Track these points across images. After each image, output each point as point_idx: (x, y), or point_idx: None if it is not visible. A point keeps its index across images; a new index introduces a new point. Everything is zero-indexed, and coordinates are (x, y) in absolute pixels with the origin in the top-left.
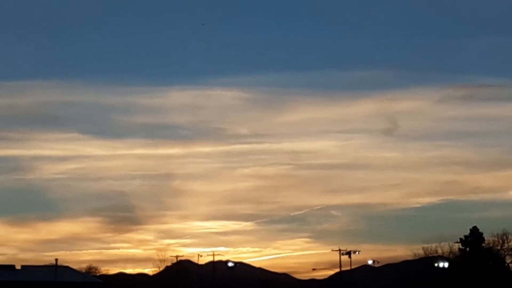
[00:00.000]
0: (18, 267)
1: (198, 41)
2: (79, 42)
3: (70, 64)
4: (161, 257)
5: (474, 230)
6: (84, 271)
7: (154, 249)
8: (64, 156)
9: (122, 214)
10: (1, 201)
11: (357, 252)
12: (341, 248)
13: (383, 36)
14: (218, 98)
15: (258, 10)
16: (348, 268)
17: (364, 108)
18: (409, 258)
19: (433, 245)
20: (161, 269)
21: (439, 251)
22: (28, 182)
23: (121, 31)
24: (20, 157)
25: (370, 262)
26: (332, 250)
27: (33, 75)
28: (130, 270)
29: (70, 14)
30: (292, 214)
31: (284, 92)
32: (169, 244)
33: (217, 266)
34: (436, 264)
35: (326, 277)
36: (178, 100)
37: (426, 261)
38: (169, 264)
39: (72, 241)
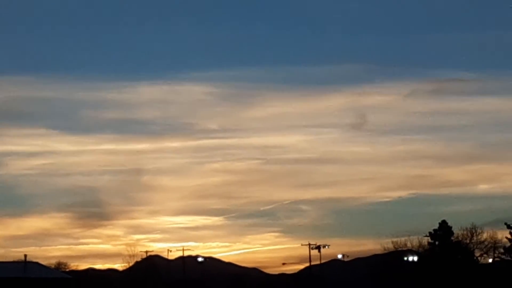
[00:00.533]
0: None
1: (166, 36)
2: (47, 38)
3: (39, 60)
4: (130, 253)
5: (443, 223)
6: (53, 267)
7: (123, 244)
8: (33, 152)
9: (92, 210)
10: None
11: (326, 246)
12: (311, 243)
13: (352, 32)
14: (187, 93)
15: (228, 6)
16: (318, 262)
17: (334, 103)
18: (379, 252)
19: (403, 239)
20: (130, 264)
21: (409, 245)
22: None
23: (90, 27)
24: None
25: (339, 256)
26: (302, 245)
27: (1, 71)
28: (99, 265)
29: (40, 10)
30: (261, 208)
31: (253, 87)
32: (138, 240)
33: (187, 261)
34: (405, 258)
35: (296, 271)
36: (147, 95)
37: (395, 255)
38: (138, 259)
39: (41, 237)
